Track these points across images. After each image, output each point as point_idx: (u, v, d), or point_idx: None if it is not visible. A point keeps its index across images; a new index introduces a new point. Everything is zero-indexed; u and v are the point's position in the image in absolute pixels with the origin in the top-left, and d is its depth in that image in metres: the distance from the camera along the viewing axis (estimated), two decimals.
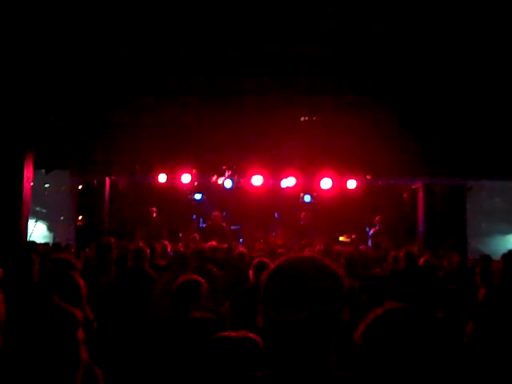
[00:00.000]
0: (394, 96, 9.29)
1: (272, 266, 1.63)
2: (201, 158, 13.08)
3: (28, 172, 9.73)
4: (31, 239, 10.16)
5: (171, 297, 3.79)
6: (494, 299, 4.48)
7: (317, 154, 12.06)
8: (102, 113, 10.40)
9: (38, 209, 15.05)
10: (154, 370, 3.33)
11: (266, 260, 5.22)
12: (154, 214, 13.71)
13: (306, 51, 7.83)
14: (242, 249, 8.25)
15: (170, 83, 9.12)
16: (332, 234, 13.12)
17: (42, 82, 8.48)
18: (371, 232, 12.79)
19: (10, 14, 6.53)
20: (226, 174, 13.79)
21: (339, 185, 13.21)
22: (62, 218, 15.58)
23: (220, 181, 13.91)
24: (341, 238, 13.34)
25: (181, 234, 13.16)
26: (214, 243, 7.99)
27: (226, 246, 9.14)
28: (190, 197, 14.83)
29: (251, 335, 2.41)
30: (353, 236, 13.47)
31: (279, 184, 13.46)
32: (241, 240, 13.09)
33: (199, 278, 3.90)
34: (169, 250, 8.11)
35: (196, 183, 14.14)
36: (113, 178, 13.52)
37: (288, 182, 13.33)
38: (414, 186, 13.28)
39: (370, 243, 12.59)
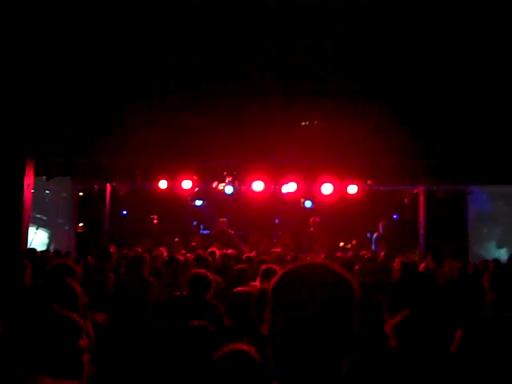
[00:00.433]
0: (395, 100, 9.27)
1: (280, 272, 1.57)
2: (201, 164, 13.06)
3: (28, 179, 9.73)
4: (31, 246, 10.15)
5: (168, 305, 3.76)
6: (502, 305, 4.41)
7: (317, 159, 12.04)
8: (103, 119, 10.40)
9: (38, 216, 15.04)
10: (150, 378, 3.30)
11: (274, 267, 5.20)
12: (155, 221, 13.70)
13: (306, 55, 7.83)
14: (251, 254, 8.28)
15: (170, 90, 9.12)
16: (333, 239, 13.11)
17: (43, 88, 8.49)
18: (374, 236, 12.80)
19: (12, 21, 6.54)
20: (227, 180, 13.78)
21: (340, 190, 13.19)
22: (63, 225, 15.55)
23: (221, 187, 13.90)
24: (341, 244, 13.34)
25: (177, 239, 13.17)
26: (227, 251, 8.02)
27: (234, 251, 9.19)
28: (190, 203, 14.83)
29: (246, 348, 2.39)
30: (353, 241, 13.46)
31: (280, 190, 13.45)
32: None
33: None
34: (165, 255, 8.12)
35: (197, 189, 14.14)
36: (113, 184, 13.52)
37: (289, 188, 13.32)
38: (415, 191, 13.27)
39: (373, 248, 12.60)
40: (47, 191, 15.66)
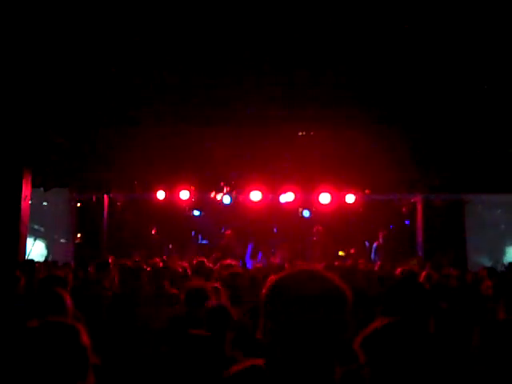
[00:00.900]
0: (392, 110, 9.31)
1: (273, 279, 1.58)
2: (199, 175, 13.07)
3: (26, 190, 9.72)
4: (30, 258, 10.11)
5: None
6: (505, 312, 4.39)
7: (315, 168, 12.06)
8: (101, 130, 10.42)
9: (36, 227, 15.01)
10: None
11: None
12: (153, 231, 13.69)
13: (304, 66, 7.87)
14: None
15: (167, 100, 9.15)
16: (331, 248, 13.12)
17: (41, 99, 8.50)
18: (374, 246, 12.82)
19: (10, 28, 6.57)
20: (225, 190, 13.79)
21: (338, 199, 13.20)
22: (60, 238, 15.52)
23: (219, 197, 13.90)
24: (340, 253, 13.34)
25: (170, 246, 13.15)
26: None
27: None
28: (188, 213, 14.82)
29: (256, 363, 2.37)
30: (351, 250, 13.45)
31: (278, 199, 13.45)
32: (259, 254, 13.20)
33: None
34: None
35: (194, 199, 14.14)
36: (111, 195, 13.51)
37: (287, 197, 13.33)
38: (412, 200, 13.30)
39: (373, 257, 12.61)
40: (45, 202, 15.65)
